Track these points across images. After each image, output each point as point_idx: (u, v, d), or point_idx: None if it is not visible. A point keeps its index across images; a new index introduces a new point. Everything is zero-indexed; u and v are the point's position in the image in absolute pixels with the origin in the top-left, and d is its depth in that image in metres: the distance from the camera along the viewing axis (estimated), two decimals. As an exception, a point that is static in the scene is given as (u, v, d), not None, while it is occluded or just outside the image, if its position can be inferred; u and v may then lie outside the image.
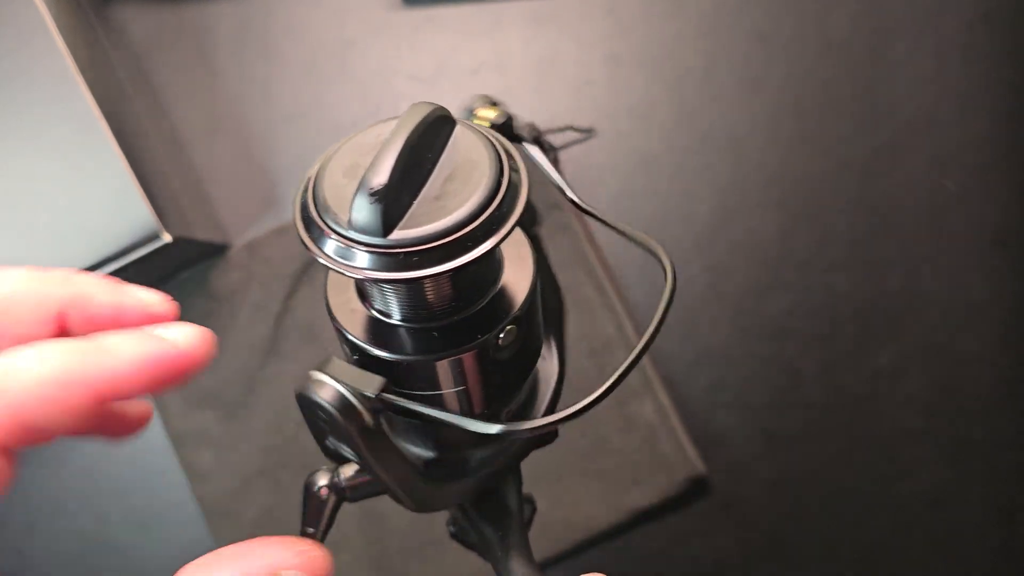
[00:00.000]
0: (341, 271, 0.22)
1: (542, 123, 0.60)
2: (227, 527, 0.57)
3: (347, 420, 0.23)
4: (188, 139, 0.61)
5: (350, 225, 0.21)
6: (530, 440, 0.30)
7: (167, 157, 0.58)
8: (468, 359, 0.25)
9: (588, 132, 0.60)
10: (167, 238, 0.48)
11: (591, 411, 0.64)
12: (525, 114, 0.62)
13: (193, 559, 0.27)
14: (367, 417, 0.23)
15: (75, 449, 0.58)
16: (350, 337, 0.26)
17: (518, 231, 0.27)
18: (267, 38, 0.61)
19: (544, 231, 0.58)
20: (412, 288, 0.24)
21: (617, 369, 0.23)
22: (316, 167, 0.24)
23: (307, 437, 0.64)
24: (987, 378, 0.59)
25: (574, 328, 0.57)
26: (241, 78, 0.61)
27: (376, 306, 0.25)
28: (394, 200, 0.21)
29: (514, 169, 0.23)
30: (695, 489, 0.57)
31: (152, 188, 0.49)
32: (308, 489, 0.28)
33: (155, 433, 0.58)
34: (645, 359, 0.58)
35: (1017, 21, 0.61)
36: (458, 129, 0.23)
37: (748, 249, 0.60)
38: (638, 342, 0.53)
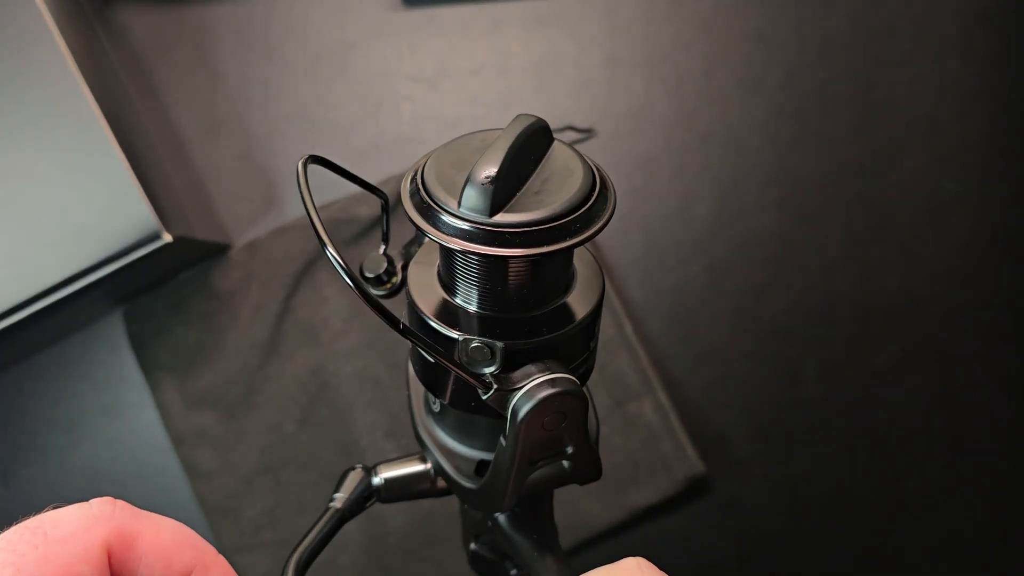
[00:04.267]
0: (449, 244, 0.24)
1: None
2: (227, 526, 0.57)
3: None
4: (189, 139, 0.61)
5: (460, 205, 0.24)
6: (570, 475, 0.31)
7: (168, 157, 0.58)
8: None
9: (588, 132, 0.60)
10: (168, 238, 0.48)
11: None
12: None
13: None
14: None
15: (75, 448, 0.59)
16: (428, 320, 0.27)
17: (596, 270, 0.29)
18: (267, 38, 0.61)
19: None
20: (497, 272, 0.26)
21: None
22: (421, 161, 0.26)
23: (307, 436, 0.64)
24: (986, 378, 0.59)
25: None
26: (241, 78, 0.61)
27: (459, 298, 0.27)
28: (501, 187, 0.24)
29: (604, 183, 0.26)
30: (695, 489, 0.57)
31: (153, 188, 0.49)
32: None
33: (155, 432, 0.59)
34: (645, 359, 0.58)
35: (1017, 21, 0.61)
36: (556, 144, 0.26)
37: (747, 249, 0.60)
38: (638, 342, 0.54)
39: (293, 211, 0.60)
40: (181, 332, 0.59)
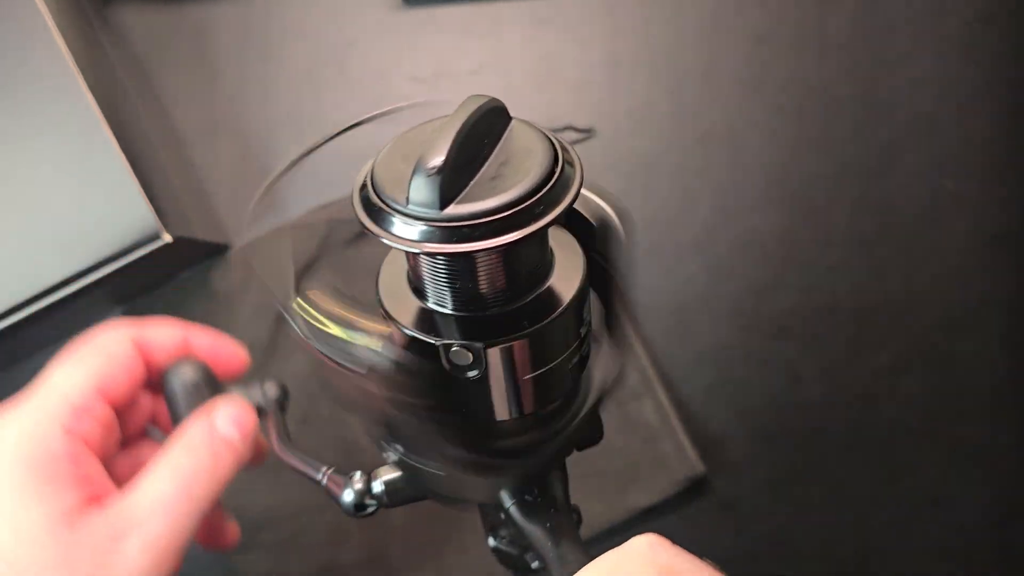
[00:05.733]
0: (400, 246, 0.22)
1: (542, 123, 0.61)
2: (227, 527, 0.57)
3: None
4: (188, 139, 0.61)
5: (408, 202, 0.22)
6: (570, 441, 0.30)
7: (167, 157, 0.58)
8: (518, 347, 0.25)
9: (588, 132, 0.60)
10: (167, 238, 0.48)
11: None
12: (525, 114, 0.62)
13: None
14: None
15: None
16: (403, 328, 0.26)
17: (576, 248, 0.27)
18: (267, 38, 0.61)
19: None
20: (464, 269, 0.24)
21: None
22: (374, 159, 0.25)
23: (307, 436, 0.64)
24: (986, 378, 0.59)
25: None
26: (241, 78, 0.61)
27: (431, 302, 0.26)
28: (450, 177, 0.22)
29: (568, 162, 0.24)
30: (694, 489, 0.57)
31: (152, 188, 0.50)
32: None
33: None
34: (645, 359, 0.58)
35: (1017, 21, 0.61)
36: (516, 123, 0.25)
37: (747, 249, 0.60)
38: (637, 342, 0.54)
39: (293, 211, 0.60)
40: (181, 332, 0.59)
